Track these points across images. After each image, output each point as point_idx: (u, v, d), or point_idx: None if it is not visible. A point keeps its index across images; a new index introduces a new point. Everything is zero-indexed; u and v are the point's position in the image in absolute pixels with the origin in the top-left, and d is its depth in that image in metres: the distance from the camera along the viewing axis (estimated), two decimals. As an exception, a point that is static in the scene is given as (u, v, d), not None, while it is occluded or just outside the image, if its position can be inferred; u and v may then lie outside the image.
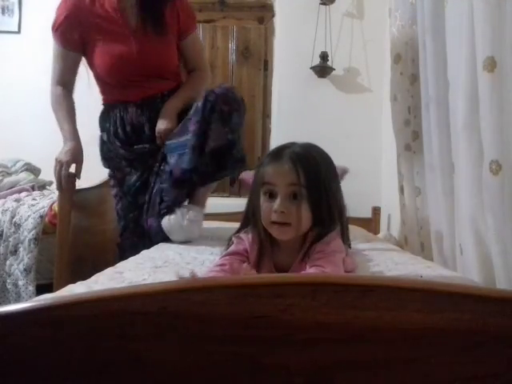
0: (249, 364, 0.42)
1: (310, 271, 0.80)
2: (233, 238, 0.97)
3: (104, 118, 1.68)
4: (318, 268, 0.80)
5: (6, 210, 1.88)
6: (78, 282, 0.95)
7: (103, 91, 1.67)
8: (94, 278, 1.01)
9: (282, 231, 0.85)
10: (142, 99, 1.59)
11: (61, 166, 1.52)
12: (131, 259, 1.27)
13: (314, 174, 0.84)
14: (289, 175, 0.83)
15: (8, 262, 1.80)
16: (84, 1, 1.53)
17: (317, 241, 0.86)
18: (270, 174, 0.85)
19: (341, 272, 0.85)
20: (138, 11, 1.54)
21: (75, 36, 1.54)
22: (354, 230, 1.90)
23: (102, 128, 1.67)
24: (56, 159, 1.54)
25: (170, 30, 1.58)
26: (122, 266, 1.17)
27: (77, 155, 1.56)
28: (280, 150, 0.88)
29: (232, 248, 0.93)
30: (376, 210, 2.53)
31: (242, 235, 0.94)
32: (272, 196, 0.85)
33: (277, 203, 0.83)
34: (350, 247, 1.18)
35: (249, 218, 0.93)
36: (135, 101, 1.59)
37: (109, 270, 1.09)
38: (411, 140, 1.78)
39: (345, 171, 1.49)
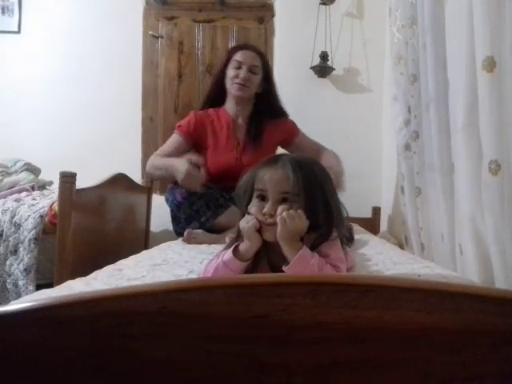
0: (249, 363, 0.42)
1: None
2: (226, 238, 0.97)
3: None
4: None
5: (6, 210, 1.88)
6: (78, 279, 0.96)
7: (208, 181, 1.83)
8: (93, 274, 1.02)
9: (270, 232, 0.84)
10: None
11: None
12: (131, 257, 1.28)
13: (309, 181, 0.85)
14: (281, 183, 0.84)
15: (8, 262, 1.80)
16: (207, 116, 1.87)
17: (316, 246, 0.86)
18: (264, 180, 0.86)
19: None
20: (245, 129, 1.86)
21: (193, 135, 1.84)
22: (353, 230, 1.90)
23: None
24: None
25: (269, 143, 1.86)
26: (121, 263, 1.17)
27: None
28: (276, 157, 0.90)
29: (224, 248, 0.93)
30: (376, 210, 2.53)
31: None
32: (263, 199, 0.86)
33: (267, 207, 0.84)
34: (349, 247, 1.18)
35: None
36: None
37: (108, 267, 1.10)
38: (411, 140, 1.78)
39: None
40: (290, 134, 1.98)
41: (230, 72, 1.82)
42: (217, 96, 1.91)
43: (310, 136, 2.08)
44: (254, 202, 0.87)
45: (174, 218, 1.78)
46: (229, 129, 1.86)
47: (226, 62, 1.86)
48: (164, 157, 1.81)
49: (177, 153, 1.80)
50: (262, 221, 0.85)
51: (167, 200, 1.81)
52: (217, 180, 1.78)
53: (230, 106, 1.89)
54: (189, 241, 1.65)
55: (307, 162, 0.90)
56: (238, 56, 1.81)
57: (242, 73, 1.78)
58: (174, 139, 1.86)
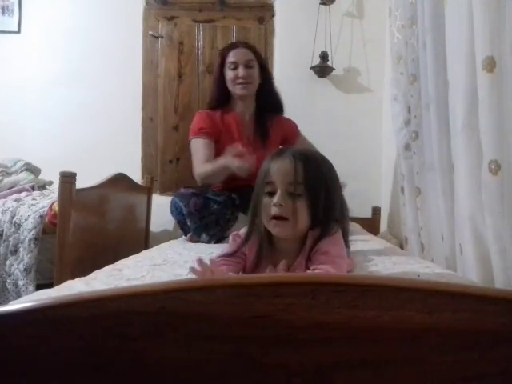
0: (249, 363, 0.42)
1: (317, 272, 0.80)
2: (230, 237, 0.97)
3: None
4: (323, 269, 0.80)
5: (6, 210, 1.87)
6: (77, 279, 0.96)
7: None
8: (93, 274, 1.02)
9: (280, 227, 0.86)
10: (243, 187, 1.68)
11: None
12: (131, 257, 1.28)
13: (314, 173, 0.86)
14: (288, 174, 0.86)
15: (8, 262, 1.80)
16: (215, 114, 1.88)
17: (317, 242, 0.86)
18: (271, 173, 0.88)
19: None
20: (253, 126, 1.89)
21: (211, 132, 1.83)
22: (353, 229, 1.90)
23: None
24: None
25: (275, 139, 1.87)
26: (121, 263, 1.17)
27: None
28: (283, 150, 0.91)
29: (227, 249, 0.93)
30: (376, 210, 2.53)
31: (241, 233, 0.94)
32: (273, 194, 0.87)
33: (276, 197, 0.86)
34: (349, 247, 1.18)
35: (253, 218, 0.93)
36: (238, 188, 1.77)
37: (108, 267, 1.10)
38: (411, 140, 1.78)
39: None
40: (292, 133, 1.99)
41: (229, 74, 1.82)
42: (220, 98, 1.91)
43: (309, 135, 2.08)
44: (265, 196, 0.88)
45: (183, 228, 1.83)
46: (238, 127, 1.86)
47: (221, 66, 1.88)
48: (207, 163, 1.77)
49: (212, 155, 1.79)
50: (272, 214, 0.86)
51: (173, 212, 1.82)
52: (230, 178, 1.72)
53: (235, 105, 1.89)
54: (192, 239, 1.75)
55: (313, 154, 0.92)
56: (231, 57, 1.83)
57: (241, 72, 1.79)
58: (201, 144, 1.82)
